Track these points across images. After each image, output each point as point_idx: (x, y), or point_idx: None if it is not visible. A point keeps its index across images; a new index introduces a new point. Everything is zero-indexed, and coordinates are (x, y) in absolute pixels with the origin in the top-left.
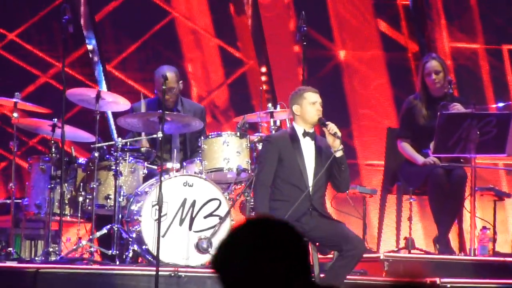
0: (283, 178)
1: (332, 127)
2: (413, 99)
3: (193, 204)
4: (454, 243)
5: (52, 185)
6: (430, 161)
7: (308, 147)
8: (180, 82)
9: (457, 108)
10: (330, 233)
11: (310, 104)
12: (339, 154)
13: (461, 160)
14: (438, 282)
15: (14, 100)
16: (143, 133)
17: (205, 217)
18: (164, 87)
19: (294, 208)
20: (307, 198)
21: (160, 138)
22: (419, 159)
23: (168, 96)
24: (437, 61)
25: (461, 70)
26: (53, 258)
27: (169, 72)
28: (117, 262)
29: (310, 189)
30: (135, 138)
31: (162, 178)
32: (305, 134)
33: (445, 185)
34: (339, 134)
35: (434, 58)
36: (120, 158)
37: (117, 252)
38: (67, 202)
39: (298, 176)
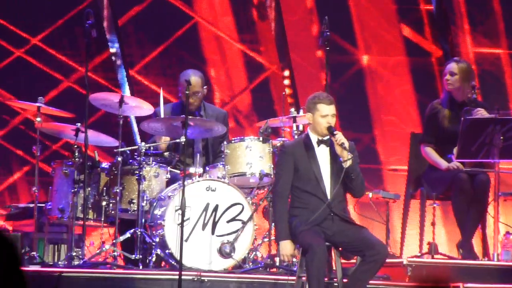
0: (300, 187)
1: (339, 137)
2: (437, 104)
3: (215, 209)
4: (477, 248)
5: (75, 190)
6: (453, 166)
7: (323, 154)
8: (205, 87)
9: (481, 113)
10: (353, 238)
11: (321, 116)
12: (347, 164)
13: (483, 165)
14: (461, 287)
15: (38, 104)
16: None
17: (227, 222)
18: (187, 91)
19: (314, 218)
20: (326, 205)
21: (183, 143)
22: (443, 164)
23: (192, 100)
24: (456, 64)
25: (484, 75)
26: (76, 262)
27: (195, 77)
28: (140, 267)
29: (328, 196)
30: (155, 144)
31: (185, 183)
32: (320, 142)
33: (468, 190)
34: (346, 144)
35: (454, 61)
36: (144, 162)
37: (140, 256)
38: (90, 206)
39: (314, 184)
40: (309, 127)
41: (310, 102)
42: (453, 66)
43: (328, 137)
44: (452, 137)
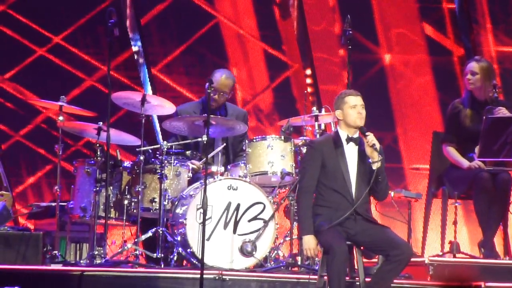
0: (325, 184)
1: (371, 138)
2: (458, 103)
3: (237, 208)
4: (499, 247)
5: (97, 188)
6: (475, 165)
7: (351, 153)
8: (232, 92)
9: (502, 112)
10: (376, 238)
11: (351, 107)
12: (376, 166)
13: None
14: (483, 286)
15: (60, 103)
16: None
17: (249, 221)
18: (209, 90)
19: (340, 220)
20: (350, 204)
21: (205, 142)
22: (464, 163)
23: (217, 97)
24: (477, 63)
25: (506, 74)
26: (98, 261)
27: (226, 78)
28: (162, 265)
29: (353, 194)
30: (179, 142)
31: (207, 182)
32: (349, 139)
33: (490, 189)
34: (377, 146)
35: (475, 60)
36: (165, 161)
37: (162, 255)
38: (112, 205)
39: (340, 182)
40: (338, 125)
41: (337, 99)
42: (474, 66)
43: (357, 134)
44: (473, 136)
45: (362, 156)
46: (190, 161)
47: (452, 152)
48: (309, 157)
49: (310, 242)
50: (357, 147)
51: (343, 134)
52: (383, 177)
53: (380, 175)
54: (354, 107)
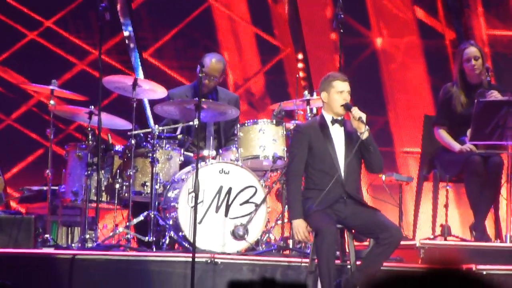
0: (314, 166)
1: (356, 112)
2: (451, 87)
3: (229, 191)
4: (490, 230)
5: (89, 172)
6: (466, 148)
7: (337, 134)
8: (223, 75)
9: (494, 95)
10: (367, 221)
11: (338, 93)
12: (364, 136)
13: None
14: (474, 269)
15: (51, 87)
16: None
17: (241, 204)
18: (200, 74)
19: (325, 193)
20: (339, 184)
21: (196, 126)
22: (456, 146)
23: (207, 81)
24: (475, 48)
25: (498, 57)
26: (89, 245)
27: (217, 62)
28: (154, 249)
29: (342, 174)
30: (171, 126)
31: (199, 166)
32: (334, 121)
33: (481, 172)
34: (363, 118)
35: (472, 45)
36: (157, 145)
37: (154, 239)
38: (103, 189)
39: (329, 163)
40: (323, 108)
41: (324, 81)
42: (475, 50)
43: (342, 117)
44: (466, 120)
45: (348, 137)
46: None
47: (443, 135)
48: (296, 141)
49: (299, 226)
50: (342, 127)
51: (328, 116)
52: (374, 147)
53: (371, 144)
54: (340, 93)
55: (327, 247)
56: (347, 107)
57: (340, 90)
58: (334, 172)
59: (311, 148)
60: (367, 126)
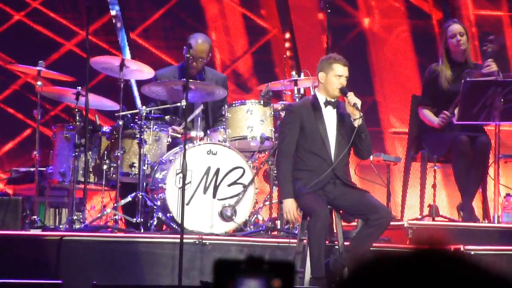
0: (305, 147)
1: (351, 98)
2: (436, 66)
3: (217, 172)
4: (478, 210)
5: (76, 153)
6: (442, 118)
7: (330, 116)
8: (210, 55)
9: (491, 66)
10: (356, 202)
11: (336, 76)
12: (357, 123)
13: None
14: (462, 249)
15: (38, 68)
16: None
17: (229, 185)
18: (188, 55)
19: (318, 180)
20: (329, 167)
21: (184, 107)
22: (435, 121)
23: (195, 63)
24: (460, 25)
25: (485, 37)
26: (77, 226)
27: (202, 42)
28: (142, 230)
29: (332, 158)
30: (158, 107)
31: (186, 146)
32: (327, 103)
33: (468, 152)
34: (358, 105)
35: (456, 22)
36: (145, 126)
37: (142, 220)
38: (91, 170)
39: (320, 145)
40: (317, 88)
41: (324, 61)
42: (459, 27)
43: (335, 99)
44: (452, 96)
45: (341, 119)
46: (171, 127)
47: (426, 114)
48: (288, 120)
49: (290, 205)
50: (335, 109)
51: (322, 97)
52: (366, 134)
53: (363, 132)
54: (339, 77)
55: (319, 227)
56: (343, 92)
57: (339, 74)
58: (324, 154)
59: (302, 128)
60: (361, 113)
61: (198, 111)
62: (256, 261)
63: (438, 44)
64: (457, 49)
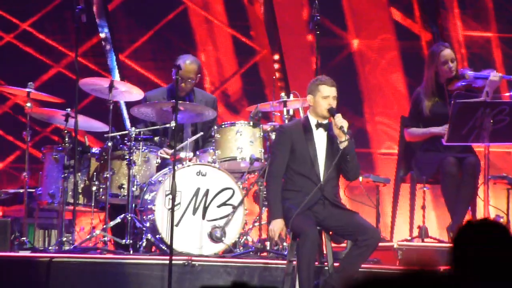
0: (294, 168)
1: (338, 120)
2: (420, 89)
3: (206, 193)
4: None
5: (66, 175)
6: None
7: (320, 138)
8: (199, 75)
9: (494, 74)
10: (345, 223)
11: (323, 97)
12: (342, 145)
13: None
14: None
15: (28, 90)
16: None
17: (218, 206)
18: (177, 76)
19: (306, 201)
20: (318, 189)
21: (173, 128)
22: (436, 129)
23: (184, 85)
24: (450, 50)
25: (474, 58)
26: (66, 248)
27: (191, 63)
28: (131, 251)
29: (321, 180)
30: (148, 128)
31: (176, 168)
32: (318, 125)
33: (456, 173)
34: (345, 127)
35: (446, 46)
36: (134, 147)
37: (131, 241)
38: (80, 191)
39: (309, 167)
40: (309, 110)
41: (312, 84)
42: (451, 53)
43: (327, 121)
44: (436, 118)
45: (331, 141)
46: (163, 149)
47: (415, 131)
48: (279, 141)
49: (277, 225)
50: (326, 132)
51: (313, 120)
52: (352, 157)
53: (349, 154)
54: (326, 98)
55: (309, 247)
56: (331, 112)
57: (325, 95)
58: (314, 176)
59: (293, 150)
60: (347, 136)
61: (197, 136)
62: (240, 286)
63: (425, 66)
64: (448, 75)
